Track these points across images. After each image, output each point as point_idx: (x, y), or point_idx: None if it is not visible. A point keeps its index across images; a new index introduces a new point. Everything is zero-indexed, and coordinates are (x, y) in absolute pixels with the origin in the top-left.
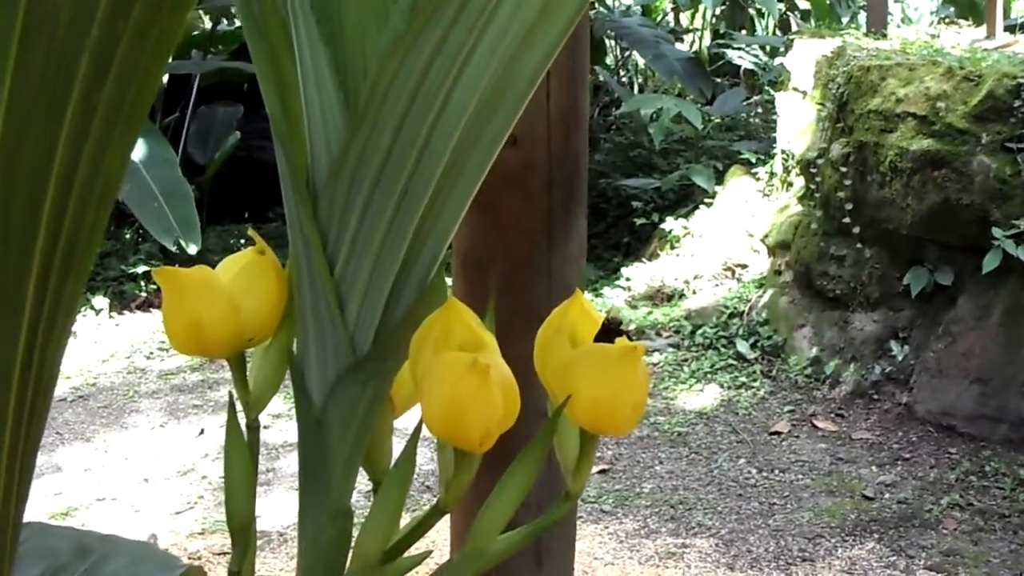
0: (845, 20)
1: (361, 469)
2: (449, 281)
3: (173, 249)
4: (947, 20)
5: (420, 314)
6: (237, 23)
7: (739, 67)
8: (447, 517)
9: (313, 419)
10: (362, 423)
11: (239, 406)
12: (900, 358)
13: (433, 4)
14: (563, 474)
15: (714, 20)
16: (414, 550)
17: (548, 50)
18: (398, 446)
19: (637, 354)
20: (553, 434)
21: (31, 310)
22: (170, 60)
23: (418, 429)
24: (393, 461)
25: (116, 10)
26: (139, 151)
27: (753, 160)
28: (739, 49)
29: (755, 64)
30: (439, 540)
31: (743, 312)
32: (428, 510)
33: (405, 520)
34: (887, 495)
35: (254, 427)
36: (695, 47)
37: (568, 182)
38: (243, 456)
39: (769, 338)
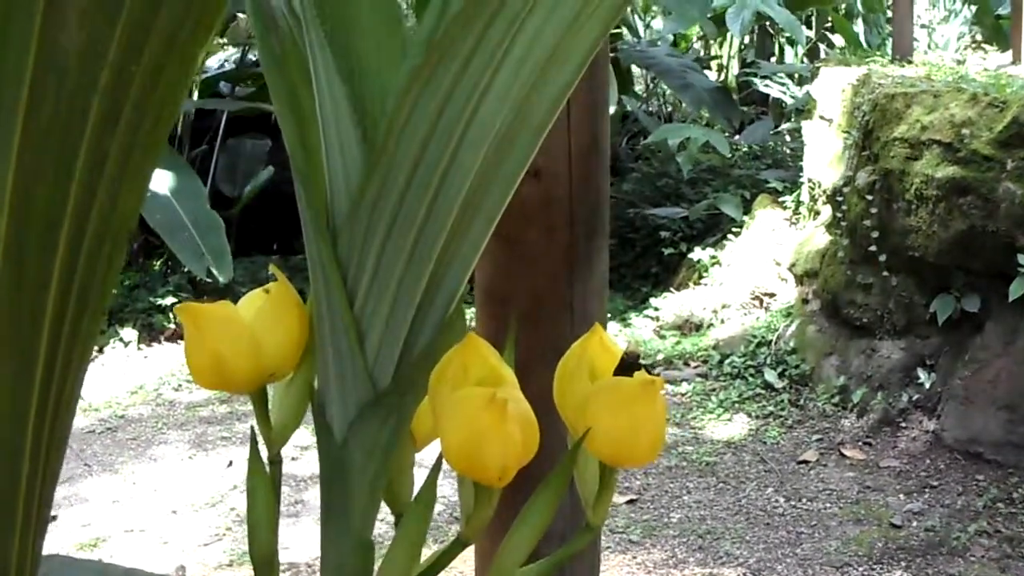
0: (875, 47)
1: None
2: (472, 314)
3: (204, 277)
4: (973, 46)
5: (439, 349)
6: None
7: (767, 96)
8: (473, 547)
9: (334, 453)
10: (383, 457)
11: (261, 440)
12: (927, 386)
13: (449, 39)
14: (583, 506)
15: (743, 49)
16: None
17: (566, 83)
18: (420, 476)
19: (655, 388)
20: (572, 467)
21: (46, 350)
22: (196, 97)
23: (438, 463)
24: (415, 493)
25: (127, 54)
26: (169, 183)
27: (780, 189)
28: (766, 78)
29: (783, 92)
30: (467, 570)
31: (771, 341)
32: (450, 543)
33: (430, 551)
34: (915, 523)
35: (276, 461)
36: (723, 76)
37: (590, 216)
38: (266, 490)
39: (797, 367)
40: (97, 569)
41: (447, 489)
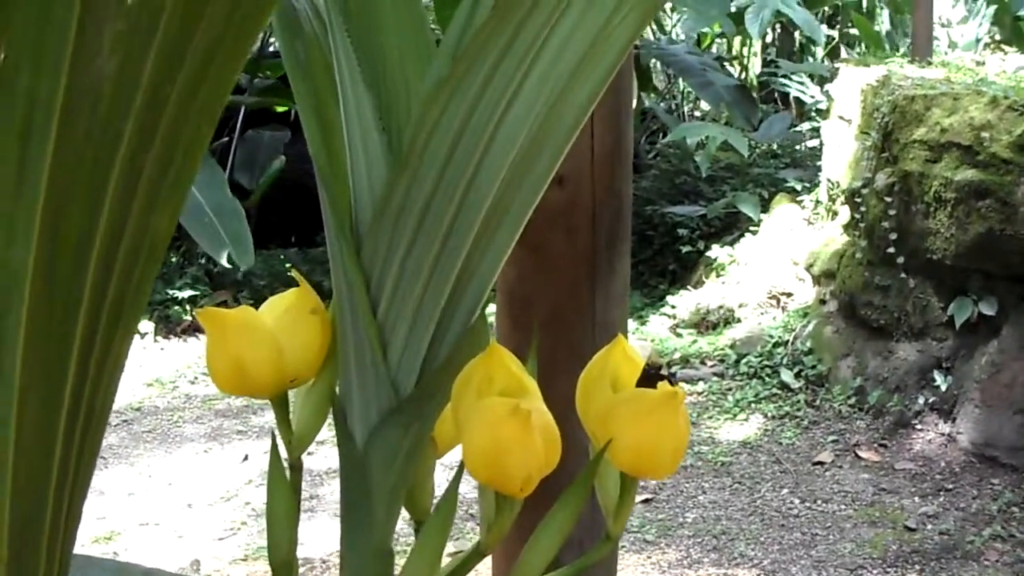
0: (900, 48)
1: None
2: (493, 317)
3: (224, 264)
4: (992, 46)
5: (462, 357)
6: None
7: (788, 95)
8: (489, 556)
9: (356, 460)
10: (404, 464)
11: (281, 444)
12: (943, 388)
13: (475, 49)
14: (604, 516)
15: (765, 48)
16: None
17: (593, 90)
18: (442, 477)
19: (678, 400)
20: (594, 477)
21: (76, 370)
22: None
23: (459, 473)
24: (436, 499)
25: (161, 75)
26: None
27: (799, 188)
28: (785, 77)
29: (802, 92)
30: (484, 571)
31: (788, 341)
32: (468, 551)
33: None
34: (929, 526)
35: (296, 466)
36: (743, 75)
37: (612, 222)
38: (286, 494)
39: (813, 367)
40: (117, 569)
41: (465, 486)
